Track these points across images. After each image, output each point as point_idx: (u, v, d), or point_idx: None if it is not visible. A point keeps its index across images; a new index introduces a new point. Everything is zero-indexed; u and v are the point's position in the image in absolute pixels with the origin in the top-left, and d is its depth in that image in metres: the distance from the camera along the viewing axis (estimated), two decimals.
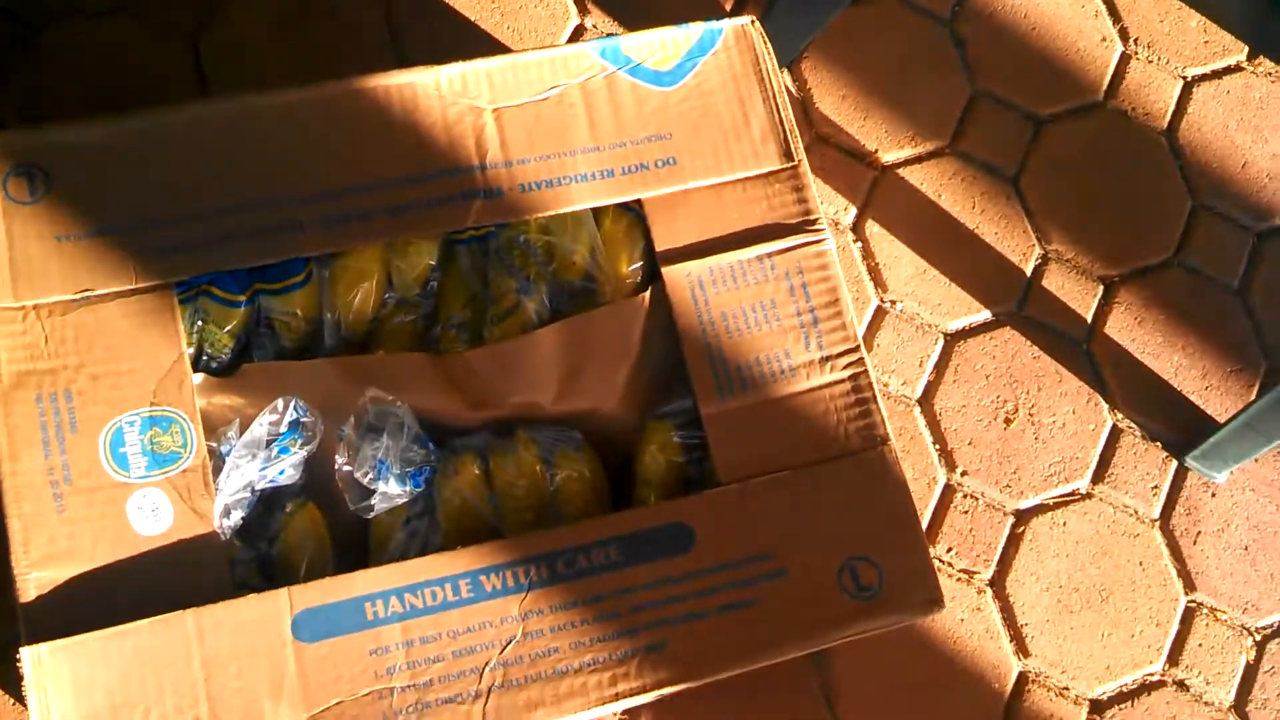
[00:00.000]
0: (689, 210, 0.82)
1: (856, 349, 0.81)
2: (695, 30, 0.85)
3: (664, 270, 0.81)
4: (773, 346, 0.80)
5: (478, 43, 1.16)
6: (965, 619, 1.06)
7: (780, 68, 1.18)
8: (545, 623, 0.73)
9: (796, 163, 0.84)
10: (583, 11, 1.20)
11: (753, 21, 0.86)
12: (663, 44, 0.85)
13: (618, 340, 0.81)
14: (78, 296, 0.74)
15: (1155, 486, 1.13)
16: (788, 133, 0.84)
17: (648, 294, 0.81)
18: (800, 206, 0.83)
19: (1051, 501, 1.11)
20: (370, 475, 0.76)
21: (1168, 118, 1.26)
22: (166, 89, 1.11)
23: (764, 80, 0.85)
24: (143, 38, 1.13)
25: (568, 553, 0.75)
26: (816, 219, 0.83)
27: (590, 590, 0.75)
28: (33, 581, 0.68)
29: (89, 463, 0.72)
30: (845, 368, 0.81)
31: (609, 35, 1.18)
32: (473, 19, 1.18)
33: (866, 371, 0.81)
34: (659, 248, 0.81)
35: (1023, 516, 1.10)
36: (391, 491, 0.76)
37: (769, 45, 0.86)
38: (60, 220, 0.76)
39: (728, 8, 1.22)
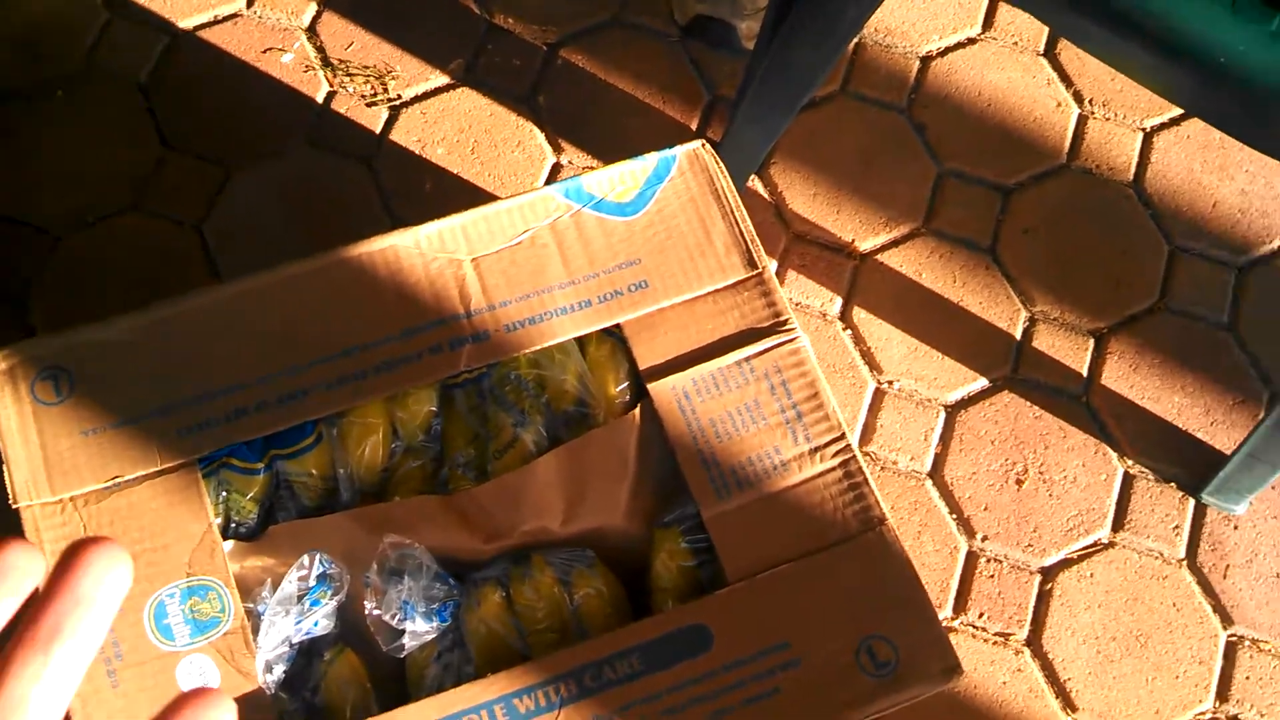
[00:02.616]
0: (666, 327, 0.87)
1: (842, 437, 0.84)
2: (650, 160, 0.91)
3: (650, 386, 0.85)
4: (762, 445, 0.84)
5: (463, 194, 1.23)
6: (1008, 681, 1.08)
7: (748, 176, 1.24)
8: None
9: (761, 270, 0.88)
10: (557, 151, 1.27)
11: (703, 145, 0.92)
12: (621, 177, 0.90)
13: (614, 458, 0.85)
14: (109, 484, 0.80)
15: (1176, 527, 1.15)
16: (749, 243, 0.89)
17: (637, 411, 0.85)
18: (770, 310, 0.87)
19: (1075, 555, 1.13)
20: (398, 616, 0.80)
21: (1132, 170, 1.30)
22: (180, 274, 1.19)
23: (720, 197, 0.90)
24: (152, 231, 1.21)
25: (592, 667, 0.78)
26: (787, 319, 0.87)
27: (619, 700, 0.78)
28: None
29: (136, 637, 0.76)
30: (834, 456, 0.84)
31: (585, 168, 1.25)
32: (455, 171, 1.25)
33: (855, 457, 0.84)
34: (642, 366, 0.86)
35: (1049, 573, 1.12)
36: (419, 629, 0.80)
37: (720, 164, 0.91)
38: (85, 416, 0.82)
39: (693, 127, 1.28)
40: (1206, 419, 1.19)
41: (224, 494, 0.82)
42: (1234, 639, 1.11)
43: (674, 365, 0.86)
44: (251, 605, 0.79)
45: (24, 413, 0.81)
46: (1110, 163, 1.30)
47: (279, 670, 0.78)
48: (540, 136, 1.27)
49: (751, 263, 0.89)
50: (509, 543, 0.84)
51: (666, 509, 0.86)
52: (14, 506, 0.78)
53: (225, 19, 1.31)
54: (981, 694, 1.07)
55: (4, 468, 0.79)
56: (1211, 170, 1.30)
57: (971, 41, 1.36)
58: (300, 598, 0.79)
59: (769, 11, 1.10)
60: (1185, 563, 1.14)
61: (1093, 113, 1.33)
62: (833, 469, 0.84)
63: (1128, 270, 1.25)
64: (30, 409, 0.81)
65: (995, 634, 1.10)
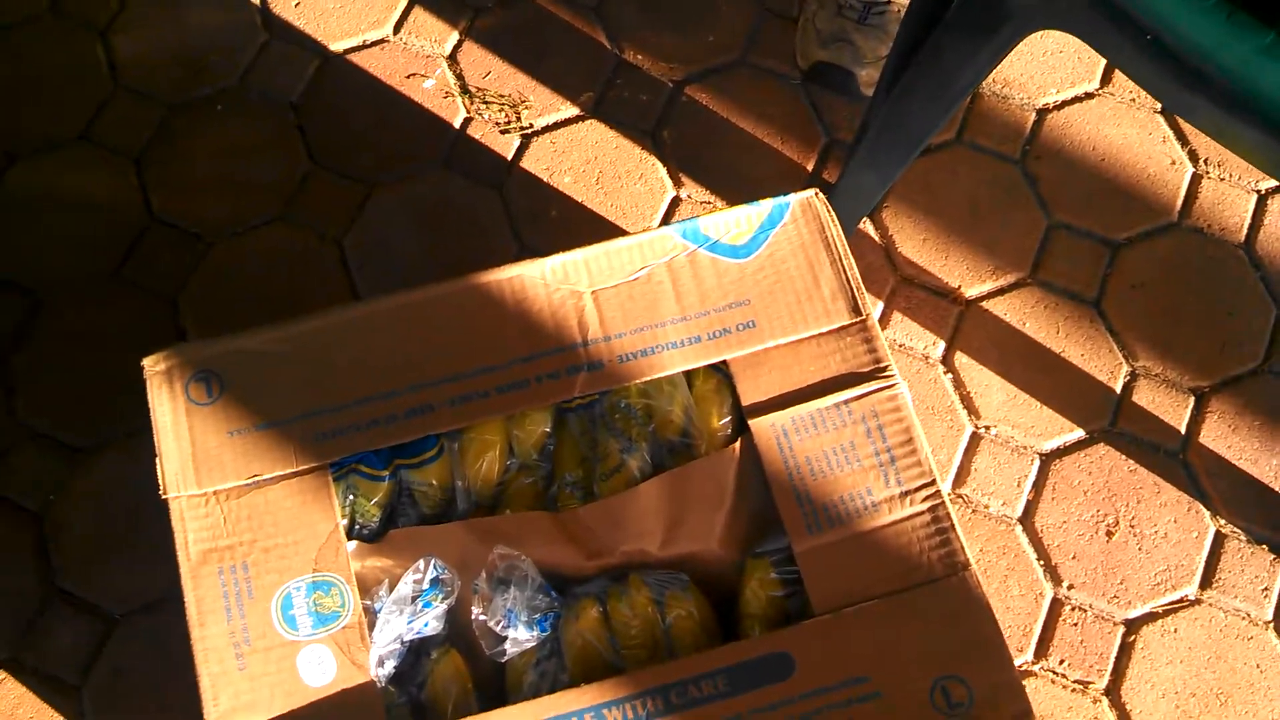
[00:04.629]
0: (770, 367, 0.92)
1: (933, 483, 0.88)
2: (765, 206, 0.96)
3: (751, 422, 0.90)
4: (855, 485, 0.88)
5: (585, 221, 1.29)
6: None
7: (861, 219, 1.28)
8: None
9: (865, 317, 0.93)
10: (677, 184, 1.32)
11: (816, 193, 0.96)
12: (737, 221, 0.95)
13: (714, 488, 0.90)
14: (249, 481, 0.87)
15: (1266, 589, 1.16)
16: (855, 290, 0.93)
17: (738, 445, 0.90)
18: (871, 356, 0.91)
19: (1161, 609, 1.15)
20: (502, 623, 0.86)
21: (1244, 231, 1.31)
22: (320, 283, 1.27)
23: (830, 245, 0.95)
24: (296, 242, 1.29)
25: (680, 685, 0.83)
26: (887, 366, 0.91)
27: (703, 718, 0.83)
28: None
29: (264, 625, 0.83)
30: (924, 500, 0.88)
31: (704, 203, 1.30)
32: (579, 200, 1.31)
33: (944, 503, 0.88)
34: (745, 402, 0.91)
35: (1133, 625, 1.14)
36: (521, 637, 0.86)
37: (831, 212, 0.96)
38: (232, 417, 0.89)
39: (809, 168, 1.33)
40: None
41: (351, 497, 0.89)
42: None
43: (775, 403, 0.91)
44: (369, 603, 0.85)
45: (178, 411, 0.89)
46: (1222, 223, 1.31)
47: (390, 665, 0.85)
48: (662, 170, 1.33)
49: (856, 309, 0.93)
50: (609, 561, 0.89)
51: (760, 540, 0.90)
52: (163, 497, 0.86)
53: (373, 44, 1.39)
54: None
55: (157, 461, 0.87)
56: None
57: (1089, 96, 1.38)
58: (414, 599, 0.85)
59: (889, 62, 1.14)
60: (1272, 625, 1.15)
61: (1207, 172, 1.34)
62: (921, 513, 0.88)
63: (1234, 331, 1.26)
64: (184, 408, 0.89)
65: (1075, 681, 1.12)
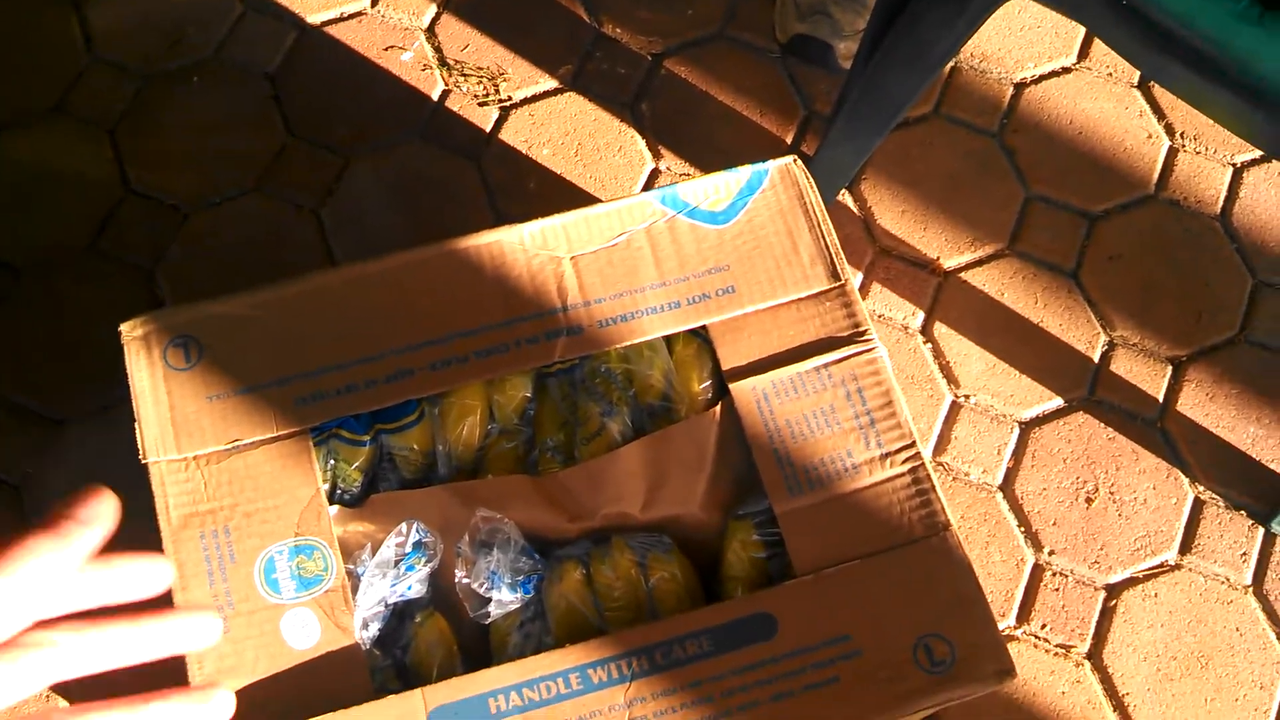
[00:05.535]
0: (750, 331, 0.92)
1: (913, 444, 0.89)
2: (744, 173, 0.96)
3: (731, 386, 0.90)
4: (835, 447, 0.89)
5: (564, 193, 1.29)
6: (1066, 692, 1.11)
7: (839, 190, 1.29)
8: (649, 709, 0.81)
9: (843, 281, 0.93)
10: (656, 156, 1.32)
11: (795, 160, 0.96)
12: (715, 188, 0.95)
13: (695, 451, 0.90)
14: (229, 446, 0.87)
15: (1244, 554, 1.17)
16: (833, 255, 0.94)
17: (718, 408, 0.90)
18: (850, 320, 0.92)
19: (1141, 574, 1.16)
20: (485, 585, 0.86)
21: (1220, 203, 1.32)
22: (297, 254, 1.26)
23: (808, 210, 0.95)
24: (273, 213, 1.29)
25: (664, 645, 0.83)
26: (865, 330, 0.91)
27: (687, 678, 0.83)
28: None
29: (247, 589, 0.83)
30: (904, 462, 0.88)
31: (683, 174, 1.30)
32: (558, 171, 1.31)
33: (924, 464, 0.88)
34: (725, 366, 0.91)
35: (1114, 590, 1.15)
36: (504, 599, 0.86)
37: (810, 179, 0.96)
38: (211, 382, 0.89)
39: (788, 140, 1.33)
40: None
41: (332, 462, 0.89)
42: None
43: (755, 367, 0.91)
44: (351, 567, 0.85)
45: (156, 376, 0.88)
46: (1198, 195, 1.32)
47: (374, 628, 0.84)
48: (641, 142, 1.33)
49: (835, 274, 0.93)
50: (591, 524, 0.89)
51: (741, 502, 0.91)
52: (143, 462, 0.85)
53: (350, 16, 1.39)
54: (1040, 701, 1.10)
55: (137, 426, 0.86)
56: None
57: (1066, 71, 1.38)
58: (397, 562, 0.85)
59: (867, 33, 1.14)
60: (1251, 589, 1.16)
61: (1183, 146, 1.35)
62: (902, 474, 0.88)
63: (1210, 301, 1.27)
64: (162, 373, 0.88)
65: (1057, 645, 1.13)
